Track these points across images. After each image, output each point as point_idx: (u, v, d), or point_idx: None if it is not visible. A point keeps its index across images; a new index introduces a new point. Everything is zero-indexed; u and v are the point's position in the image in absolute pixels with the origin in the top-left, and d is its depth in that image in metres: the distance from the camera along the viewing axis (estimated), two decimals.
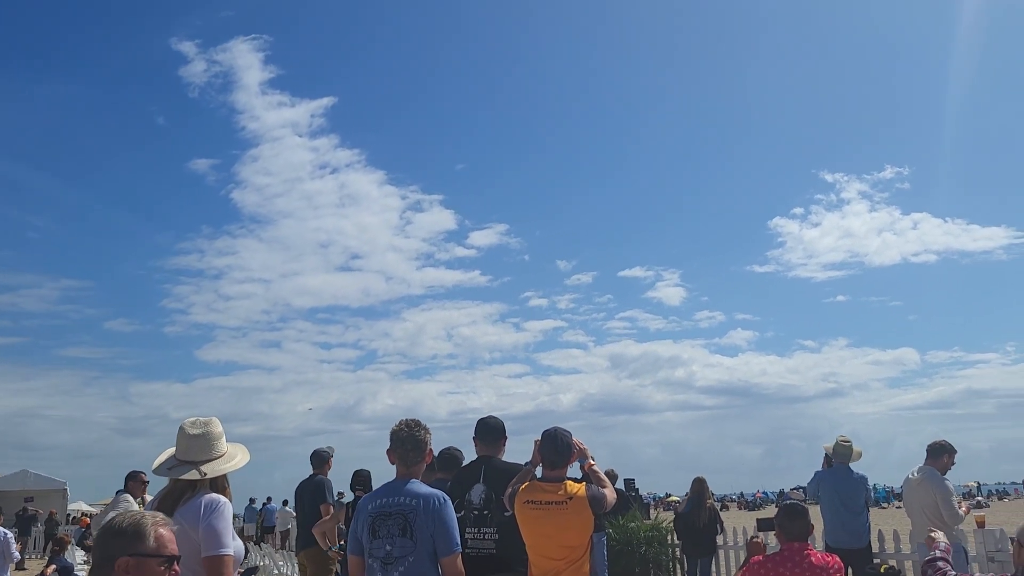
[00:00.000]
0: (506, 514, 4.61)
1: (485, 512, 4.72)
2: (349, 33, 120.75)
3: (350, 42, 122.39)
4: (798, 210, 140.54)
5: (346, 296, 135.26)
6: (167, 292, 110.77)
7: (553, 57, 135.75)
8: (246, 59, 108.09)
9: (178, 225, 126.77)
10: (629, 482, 21.43)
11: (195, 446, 3.41)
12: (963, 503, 7.11)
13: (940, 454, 7.08)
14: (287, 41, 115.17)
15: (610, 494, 4.43)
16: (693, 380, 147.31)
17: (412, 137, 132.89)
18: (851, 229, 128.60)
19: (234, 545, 3.24)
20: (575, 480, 4.44)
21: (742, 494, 73.70)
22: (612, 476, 11.36)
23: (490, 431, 5.01)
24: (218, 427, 3.51)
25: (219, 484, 3.40)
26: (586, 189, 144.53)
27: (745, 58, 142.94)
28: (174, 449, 3.47)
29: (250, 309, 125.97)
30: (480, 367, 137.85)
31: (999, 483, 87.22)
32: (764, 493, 68.56)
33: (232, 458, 3.49)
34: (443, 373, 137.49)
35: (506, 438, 5.05)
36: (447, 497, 3.85)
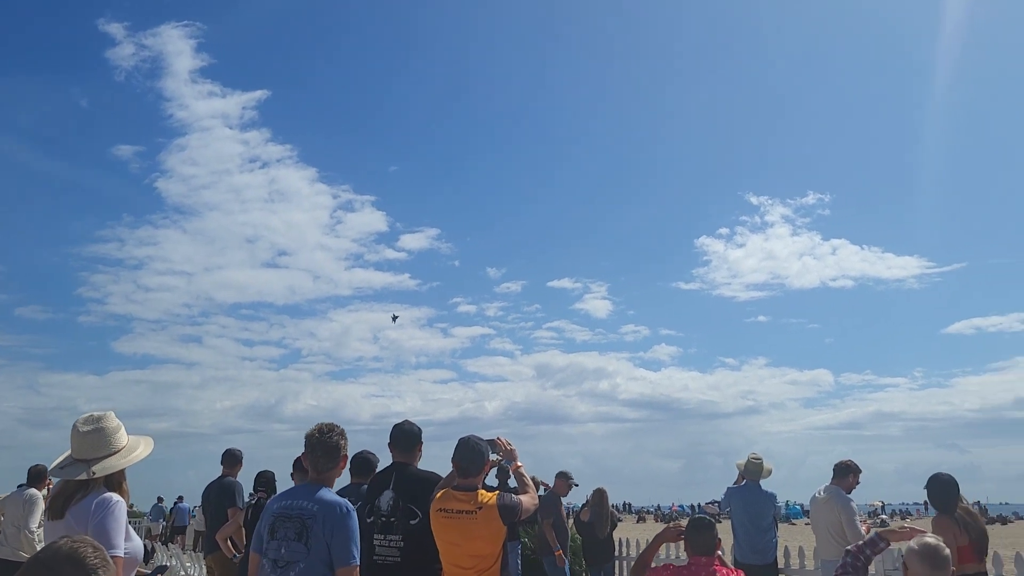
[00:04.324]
0: (412, 522, 4.56)
1: (392, 519, 4.67)
2: (286, 26, 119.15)
3: (286, 36, 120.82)
4: (724, 230, 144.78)
5: (271, 293, 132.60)
6: (84, 280, 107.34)
7: (492, 67, 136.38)
8: (176, 45, 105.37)
9: (98, 212, 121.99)
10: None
11: (87, 444, 3.26)
12: (866, 522, 7.34)
13: (846, 474, 7.31)
14: (221, 30, 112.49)
15: (528, 501, 4.42)
16: (616, 393, 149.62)
17: (346, 136, 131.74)
18: (773, 251, 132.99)
19: (130, 545, 3.13)
20: (490, 489, 4.41)
21: (659, 506, 74.93)
22: (536, 484, 11.36)
23: (405, 437, 4.92)
24: (112, 421, 3.36)
25: (115, 481, 3.27)
26: (519, 198, 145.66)
27: (678, 81, 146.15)
28: None
29: (170, 302, 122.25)
30: (406, 371, 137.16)
31: (903, 503, 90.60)
32: (680, 506, 69.71)
33: (131, 452, 3.36)
34: (368, 375, 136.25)
35: (422, 444, 4.98)
36: (351, 507, 3.78)
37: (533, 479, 11.37)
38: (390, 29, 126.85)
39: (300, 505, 3.74)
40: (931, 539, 3.25)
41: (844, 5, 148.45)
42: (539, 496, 10.12)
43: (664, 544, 5.08)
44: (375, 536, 4.63)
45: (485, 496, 4.30)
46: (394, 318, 70.67)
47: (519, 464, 4.76)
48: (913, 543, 3.26)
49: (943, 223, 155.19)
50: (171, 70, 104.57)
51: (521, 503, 4.36)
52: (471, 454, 4.39)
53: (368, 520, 4.64)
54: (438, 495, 4.42)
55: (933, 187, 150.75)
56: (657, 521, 57.49)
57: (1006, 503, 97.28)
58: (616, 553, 10.48)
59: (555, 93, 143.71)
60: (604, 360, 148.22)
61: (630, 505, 76.81)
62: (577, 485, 9.90)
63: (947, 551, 3.21)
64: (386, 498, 4.71)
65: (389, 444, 4.94)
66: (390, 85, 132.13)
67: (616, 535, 10.62)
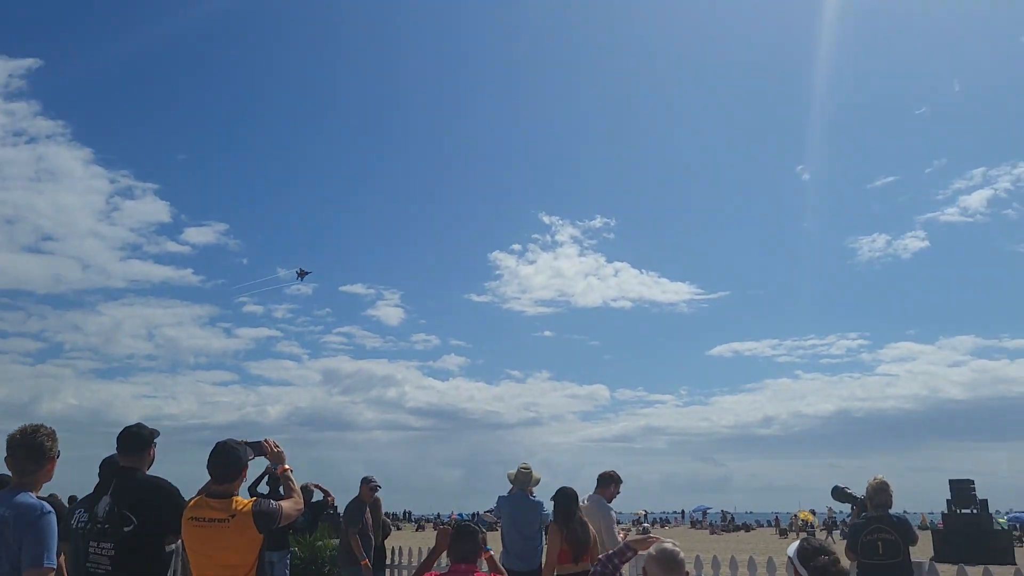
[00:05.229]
0: (125, 529, 4.33)
1: (106, 526, 4.44)
2: None
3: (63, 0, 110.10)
4: (517, 246, 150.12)
5: (31, 280, 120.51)
6: None
7: (294, 64, 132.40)
8: None
9: None
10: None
11: None
12: (628, 530, 7.81)
13: (608, 483, 7.75)
14: None
15: (289, 507, 4.30)
16: (404, 401, 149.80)
17: (129, 117, 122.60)
18: (562, 270, 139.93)
19: None
20: (258, 495, 4.23)
21: (439, 515, 75.66)
22: (308, 491, 11.08)
23: (132, 440, 4.66)
24: None
25: None
26: (315, 199, 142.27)
27: (483, 96, 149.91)
28: None
29: None
30: (183, 371, 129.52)
31: (664, 512, 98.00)
32: (460, 515, 70.78)
33: None
34: (139, 375, 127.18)
35: (153, 448, 4.71)
36: (48, 509, 3.62)
37: (307, 485, 11.07)
38: (187, 5, 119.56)
39: None
40: (668, 545, 3.48)
41: (641, 39, 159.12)
42: (347, 504, 9.82)
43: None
44: (90, 543, 4.42)
45: (240, 503, 4.12)
46: (301, 275, 64.03)
47: (287, 467, 4.61)
48: (652, 549, 3.49)
49: (712, 253, 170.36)
50: None
51: (281, 509, 4.21)
52: (225, 459, 4.21)
53: (87, 527, 4.45)
54: (191, 502, 4.21)
55: (705, 219, 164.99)
56: (435, 529, 58.09)
57: (751, 512, 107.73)
58: (388, 561, 10.42)
59: (360, 99, 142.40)
60: (393, 367, 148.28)
61: (410, 513, 77.06)
62: (380, 487, 9.73)
63: (682, 555, 3.46)
64: (103, 504, 4.50)
65: (117, 448, 4.64)
66: (182, 66, 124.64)
67: (394, 544, 10.58)
